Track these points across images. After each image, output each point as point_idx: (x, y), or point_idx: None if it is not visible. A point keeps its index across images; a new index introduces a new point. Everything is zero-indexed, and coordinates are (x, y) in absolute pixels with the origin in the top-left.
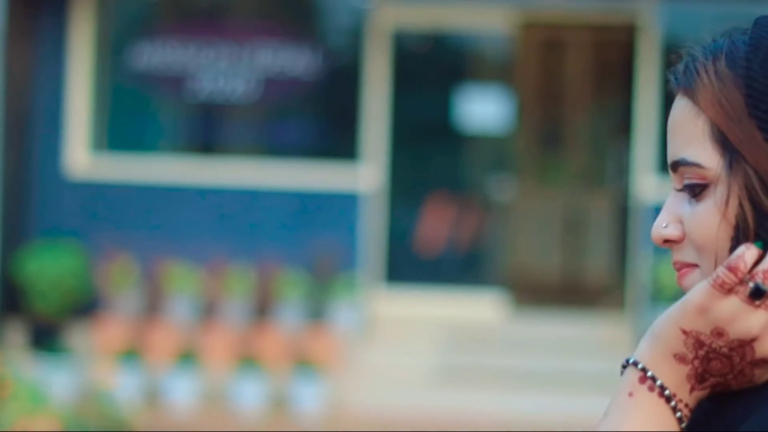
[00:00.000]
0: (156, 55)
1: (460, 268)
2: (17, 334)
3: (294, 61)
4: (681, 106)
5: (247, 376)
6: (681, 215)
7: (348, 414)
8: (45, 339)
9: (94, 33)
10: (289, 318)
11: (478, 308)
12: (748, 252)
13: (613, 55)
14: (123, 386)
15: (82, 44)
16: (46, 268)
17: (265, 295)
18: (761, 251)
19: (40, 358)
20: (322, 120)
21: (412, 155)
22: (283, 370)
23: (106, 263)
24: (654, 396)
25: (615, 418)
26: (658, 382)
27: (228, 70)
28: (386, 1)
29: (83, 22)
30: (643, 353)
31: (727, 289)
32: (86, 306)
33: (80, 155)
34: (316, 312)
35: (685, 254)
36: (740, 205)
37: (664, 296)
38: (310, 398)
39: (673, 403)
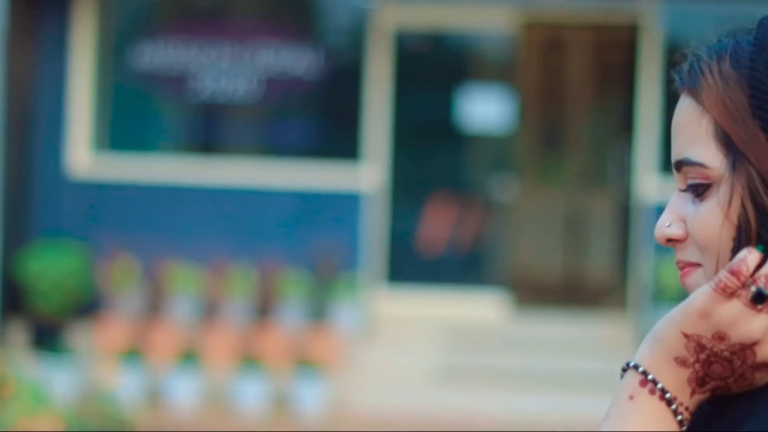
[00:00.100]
0: (158, 55)
1: (461, 268)
2: (19, 334)
3: (296, 60)
4: (685, 105)
5: (249, 376)
6: (684, 215)
7: (349, 414)
8: (47, 339)
9: (96, 33)
10: (290, 318)
11: (479, 308)
12: (751, 256)
13: (614, 55)
14: (125, 386)
15: (84, 44)
16: (48, 267)
17: (267, 295)
18: (763, 255)
19: (41, 358)
20: (323, 120)
21: (414, 155)
22: (285, 370)
23: (107, 263)
24: (655, 399)
25: (616, 421)
26: (659, 385)
27: (230, 70)
28: (388, 0)
29: (85, 21)
30: (643, 356)
31: (729, 293)
32: (88, 306)
33: (82, 155)
34: (318, 312)
35: (688, 253)
36: (742, 205)
37: (665, 296)
38: (311, 398)
39: (674, 407)
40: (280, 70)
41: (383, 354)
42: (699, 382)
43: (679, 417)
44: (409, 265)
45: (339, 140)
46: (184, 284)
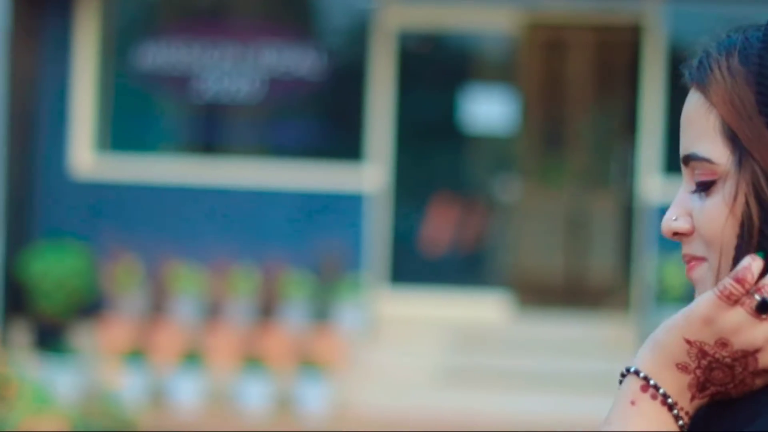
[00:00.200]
0: (160, 56)
1: (464, 268)
2: (22, 335)
3: (299, 61)
4: (694, 100)
5: (252, 377)
6: (691, 209)
7: (353, 414)
8: (50, 339)
9: (99, 33)
10: (293, 318)
11: (482, 309)
12: (755, 263)
13: (616, 55)
14: (128, 386)
15: (87, 44)
16: (51, 268)
17: (270, 296)
18: (766, 262)
19: (45, 359)
20: (326, 120)
21: (417, 155)
22: (288, 371)
23: (110, 263)
24: (657, 404)
25: (618, 426)
26: (661, 391)
27: (233, 70)
28: (391, 1)
29: (88, 22)
30: (644, 362)
31: (733, 301)
32: (91, 306)
33: (85, 155)
34: (321, 312)
35: (694, 247)
36: (746, 202)
37: (669, 297)
38: (314, 398)
39: (675, 412)
40: (283, 70)
41: (386, 354)
42: (699, 387)
43: (680, 422)
44: (412, 266)
45: (342, 141)
46: (188, 285)
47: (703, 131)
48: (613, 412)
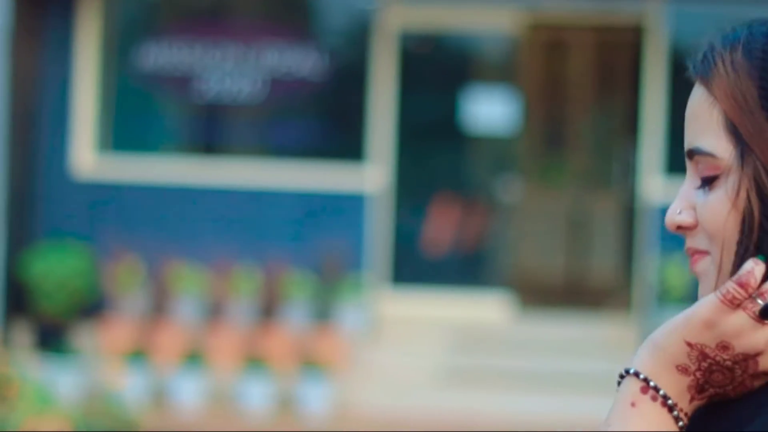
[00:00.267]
0: (162, 56)
1: (465, 269)
2: (23, 335)
3: (300, 61)
4: (698, 94)
5: (254, 377)
6: (695, 202)
7: (354, 414)
8: (51, 339)
9: (101, 33)
10: (295, 319)
11: (483, 309)
12: (758, 267)
13: (617, 56)
14: (129, 387)
15: (89, 44)
16: (52, 268)
17: (272, 296)
18: (767, 266)
19: (46, 359)
20: (328, 121)
21: (418, 156)
22: (290, 371)
23: (112, 264)
24: (657, 406)
25: (618, 427)
26: (662, 392)
27: (234, 71)
28: (392, 2)
29: (89, 22)
30: (644, 364)
31: (736, 305)
32: (92, 306)
33: (86, 155)
34: (323, 313)
35: (697, 241)
36: (748, 197)
37: (670, 297)
38: (316, 399)
39: (675, 413)
40: (284, 70)
41: (387, 354)
42: (699, 389)
43: (680, 423)
44: (414, 266)
45: (343, 141)
46: (189, 285)
47: (707, 125)
48: (613, 414)
